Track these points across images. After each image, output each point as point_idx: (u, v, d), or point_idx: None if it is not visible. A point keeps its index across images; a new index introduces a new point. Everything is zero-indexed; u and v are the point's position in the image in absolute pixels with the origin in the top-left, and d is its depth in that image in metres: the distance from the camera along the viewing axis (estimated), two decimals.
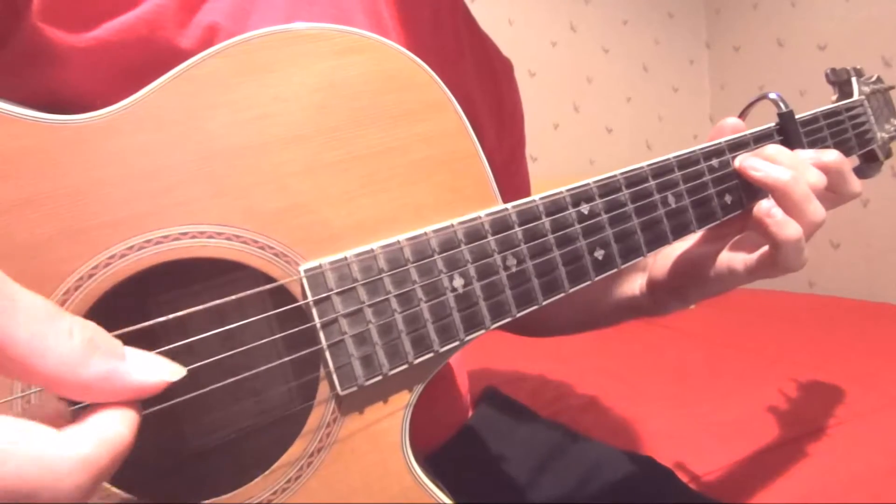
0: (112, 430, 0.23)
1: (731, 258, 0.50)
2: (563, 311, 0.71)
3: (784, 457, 0.94)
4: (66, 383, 0.22)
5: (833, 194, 0.52)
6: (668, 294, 0.57)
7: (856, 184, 0.52)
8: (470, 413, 0.76)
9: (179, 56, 0.35)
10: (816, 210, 0.47)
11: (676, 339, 1.69)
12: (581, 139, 2.91)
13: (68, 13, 0.41)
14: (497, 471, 0.70)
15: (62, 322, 0.22)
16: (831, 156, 0.50)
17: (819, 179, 0.48)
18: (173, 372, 0.25)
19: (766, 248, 0.48)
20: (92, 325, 0.24)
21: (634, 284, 0.61)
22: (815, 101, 0.63)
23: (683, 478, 0.82)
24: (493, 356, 1.43)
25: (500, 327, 0.41)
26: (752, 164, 0.49)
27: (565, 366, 1.41)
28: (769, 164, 0.49)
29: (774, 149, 0.50)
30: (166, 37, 0.43)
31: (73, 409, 0.30)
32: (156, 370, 0.25)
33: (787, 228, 0.46)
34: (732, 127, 0.52)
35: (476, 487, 0.66)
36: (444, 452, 0.66)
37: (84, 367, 0.22)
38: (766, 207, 0.47)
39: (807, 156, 0.50)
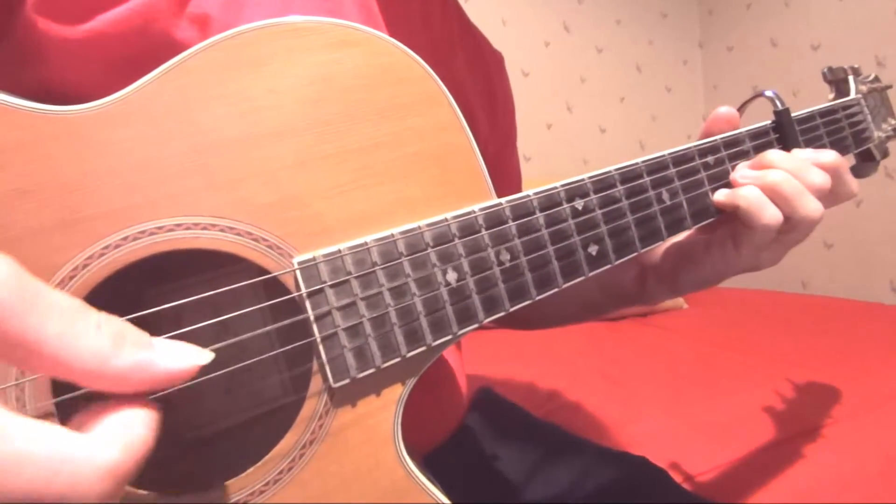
0: (137, 434, 0.23)
1: (718, 236, 0.52)
2: (553, 302, 0.71)
3: (778, 456, 0.94)
4: (99, 376, 0.23)
5: (830, 195, 0.52)
6: (658, 282, 0.57)
7: (853, 184, 0.53)
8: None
9: (174, 47, 0.35)
10: (810, 204, 0.48)
11: (670, 340, 1.70)
12: (574, 139, 2.91)
13: (63, 5, 0.41)
14: (492, 470, 0.70)
15: (90, 317, 0.23)
16: (829, 156, 0.51)
17: (823, 180, 0.49)
18: (202, 355, 0.26)
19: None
20: (118, 318, 0.24)
21: (624, 273, 0.61)
22: (809, 100, 0.63)
23: (677, 478, 0.82)
24: (488, 356, 1.42)
25: (492, 322, 0.41)
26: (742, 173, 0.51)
27: (559, 366, 1.40)
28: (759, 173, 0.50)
29: (774, 154, 0.51)
30: (161, 28, 0.43)
31: (57, 402, 0.30)
32: (185, 356, 0.25)
33: (742, 187, 0.49)
34: (727, 116, 0.52)
35: (471, 487, 0.66)
36: (439, 452, 0.66)
37: (116, 358, 0.23)
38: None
39: (805, 156, 0.51)
